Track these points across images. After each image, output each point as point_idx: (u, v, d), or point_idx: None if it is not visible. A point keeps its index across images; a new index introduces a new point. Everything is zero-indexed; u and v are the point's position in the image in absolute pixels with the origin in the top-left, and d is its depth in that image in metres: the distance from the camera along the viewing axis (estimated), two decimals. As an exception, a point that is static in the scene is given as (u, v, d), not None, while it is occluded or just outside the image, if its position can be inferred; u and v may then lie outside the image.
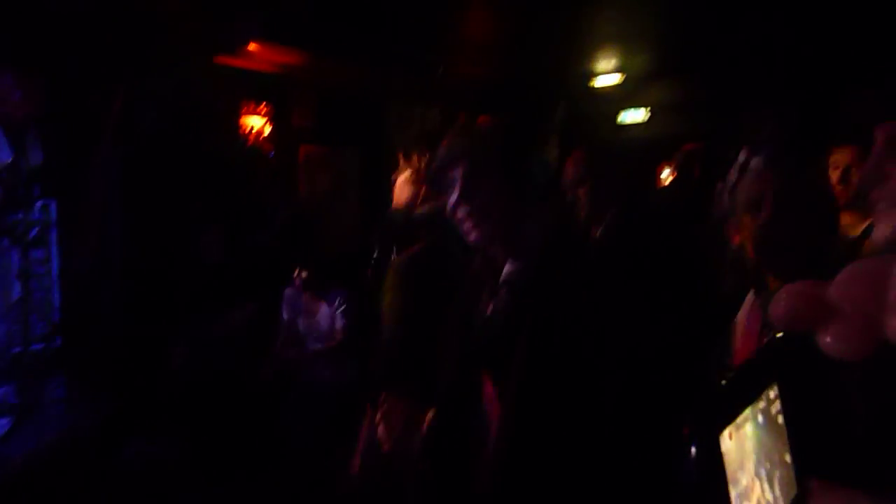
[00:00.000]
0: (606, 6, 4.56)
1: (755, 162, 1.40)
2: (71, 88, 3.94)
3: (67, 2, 3.69)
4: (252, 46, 4.25)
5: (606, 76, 6.41)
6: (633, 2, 4.38)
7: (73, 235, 3.72)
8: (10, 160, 3.41)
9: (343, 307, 3.38)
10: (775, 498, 0.69)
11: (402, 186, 2.24)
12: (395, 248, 2.34)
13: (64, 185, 3.83)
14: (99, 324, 3.67)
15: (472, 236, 1.40)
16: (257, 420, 3.68)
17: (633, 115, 6.92)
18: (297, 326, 3.55)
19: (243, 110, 4.77)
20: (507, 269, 1.41)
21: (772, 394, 0.86)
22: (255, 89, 4.84)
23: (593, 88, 6.62)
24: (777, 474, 0.76)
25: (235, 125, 4.72)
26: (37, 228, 3.72)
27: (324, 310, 3.43)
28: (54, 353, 3.64)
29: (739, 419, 0.73)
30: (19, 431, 2.90)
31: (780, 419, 0.78)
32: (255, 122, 4.81)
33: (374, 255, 2.62)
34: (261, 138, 4.82)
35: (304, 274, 3.42)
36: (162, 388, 3.69)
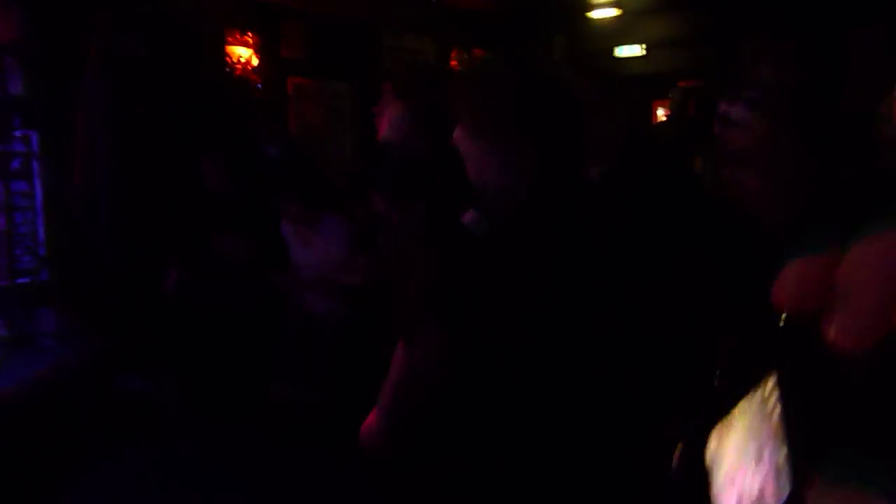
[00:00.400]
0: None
1: (737, 110, 1.22)
2: (51, 16, 3.80)
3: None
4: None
5: (603, 9, 6.25)
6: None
7: (57, 167, 3.64)
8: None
9: (337, 234, 3.29)
10: (764, 490, 0.67)
11: (397, 120, 2.12)
12: (394, 193, 2.26)
13: (45, 115, 3.73)
14: (86, 257, 3.63)
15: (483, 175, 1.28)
16: (252, 356, 3.68)
17: (630, 51, 6.77)
18: (293, 258, 3.50)
19: (229, 39, 4.61)
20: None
21: (769, 384, 0.82)
22: (241, 18, 4.67)
23: (590, 22, 6.47)
24: (768, 466, 0.73)
25: (221, 55, 4.57)
26: (18, 160, 3.63)
27: (317, 240, 3.37)
28: (41, 286, 3.61)
29: (735, 410, 0.69)
30: (9, 364, 2.89)
31: (777, 411, 0.74)
32: (242, 53, 4.66)
33: (371, 196, 2.53)
34: (248, 69, 4.69)
35: (292, 207, 3.35)
36: (154, 320, 3.68)
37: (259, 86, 4.73)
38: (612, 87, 2.22)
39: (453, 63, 6.20)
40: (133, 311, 3.75)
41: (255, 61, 4.71)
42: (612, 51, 6.84)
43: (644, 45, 6.69)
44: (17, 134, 3.67)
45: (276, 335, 3.68)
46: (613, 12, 6.26)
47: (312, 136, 5.23)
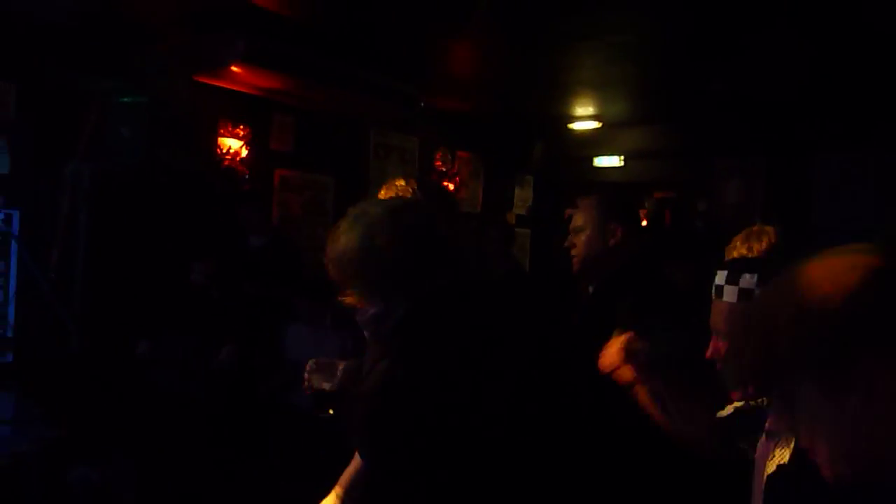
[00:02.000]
0: (586, 53, 4.65)
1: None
2: (43, 97, 3.87)
3: (46, 9, 3.64)
4: (234, 68, 4.22)
5: (584, 122, 6.52)
6: (610, 50, 4.47)
7: (35, 249, 3.61)
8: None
9: (350, 343, 3.19)
10: None
11: None
12: None
13: (28, 195, 3.73)
14: (53, 340, 3.54)
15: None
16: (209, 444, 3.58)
17: (609, 161, 7.02)
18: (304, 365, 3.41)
19: (221, 131, 4.71)
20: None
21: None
22: (234, 111, 4.79)
23: (571, 132, 6.73)
24: None
25: (212, 145, 4.66)
26: (-3, 239, 3.59)
27: (329, 344, 3.26)
28: (5, 368, 3.50)
29: None
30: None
31: None
32: (233, 144, 4.76)
33: None
34: (237, 160, 4.77)
35: (304, 305, 3.27)
36: (113, 412, 3.57)
37: (247, 177, 4.80)
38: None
39: (437, 163, 6.37)
40: (93, 398, 3.64)
41: (244, 153, 4.80)
42: (591, 160, 7.09)
43: (622, 157, 6.95)
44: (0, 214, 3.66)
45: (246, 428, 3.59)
46: (594, 125, 6.53)
47: (293, 225, 5.28)
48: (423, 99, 5.26)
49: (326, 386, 1.77)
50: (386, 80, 4.93)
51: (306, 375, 1.82)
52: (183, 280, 3.77)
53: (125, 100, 3.79)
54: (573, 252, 2.20)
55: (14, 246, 3.65)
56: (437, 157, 6.40)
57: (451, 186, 6.31)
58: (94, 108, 3.76)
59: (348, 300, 1.41)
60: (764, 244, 1.99)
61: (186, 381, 3.70)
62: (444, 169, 6.41)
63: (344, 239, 1.38)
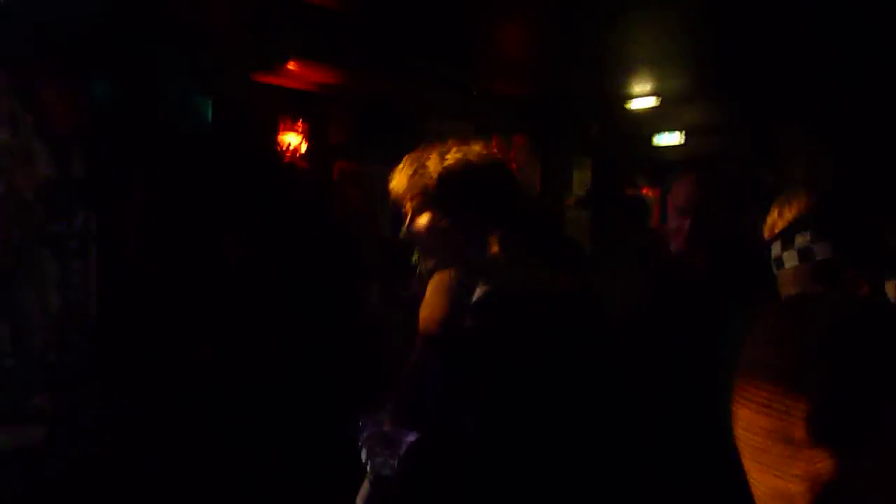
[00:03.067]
0: (641, 28, 4.54)
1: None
2: (113, 101, 4.03)
3: (110, 15, 3.78)
4: (290, 64, 4.31)
5: (642, 99, 6.37)
6: (668, 24, 4.35)
7: (112, 247, 3.78)
8: (53, 172, 3.48)
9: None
10: None
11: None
12: None
13: (105, 197, 3.90)
14: (134, 334, 3.71)
15: None
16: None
17: (669, 138, 6.85)
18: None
19: (281, 127, 4.83)
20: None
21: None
22: (292, 106, 4.90)
23: (628, 110, 6.59)
24: None
25: (273, 141, 4.78)
26: (77, 240, 3.78)
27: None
28: (90, 362, 3.69)
29: None
30: (54, 440, 2.93)
31: None
32: (292, 139, 4.87)
33: None
34: (297, 155, 4.87)
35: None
36: (195, 399, 3.71)
37: (306, 170, 4.91)
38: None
39: (494, 150, 6.34)
40: (172, 387, 3.79)
41: (303, 147, 4.91)
42: (650, 138, 6.93)
43: (683, 133, 6.77)
44: (78, 215, 3.85)
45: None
46: (652, 102, 6.37)
47: (353, 216, 5.36)
48: (476, 85, 5.25)
49: (386, 472, 1.51)
50: (439, 68, 4.94)
51: (363, 450, 1.58)
52: (246, 274, 3.87)
53: (188, 101, 3.92)
54: (676, 230, 2.09)
55: (94, 246, 3.85)
56: (493, 143, 6.37)
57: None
58: (160, 109, 3.89)
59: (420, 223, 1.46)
60: (794, 210, 1.91)
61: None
62: (500, 155, 6.38)
63: (453, 158, 1.49)
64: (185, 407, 3.68)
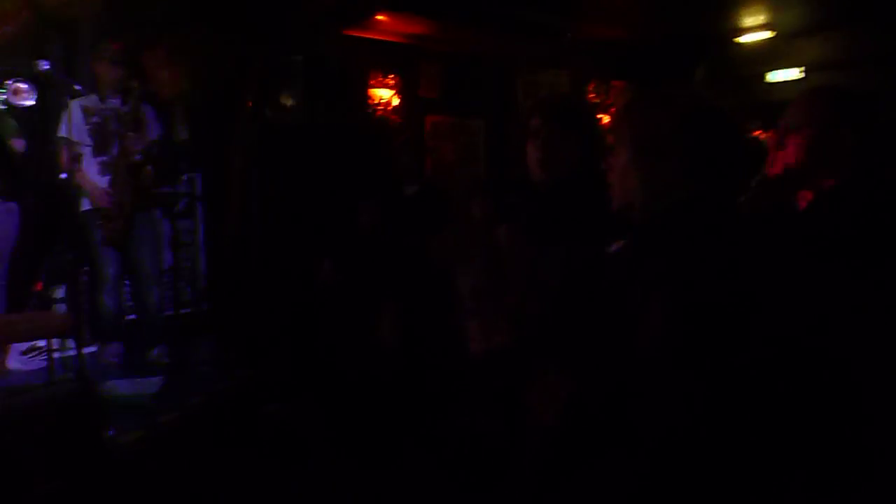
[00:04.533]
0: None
1: None
2: (212, 66, 4.15)
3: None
4: (380, 17, 4.27)
5: (753, 33, 5.89)
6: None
7: (216, 206, 3.93)
8: (160, 136, 3.63)
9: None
10: None
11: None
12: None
13: (207, 159, 4.06)
14: (240, 289, 3.87)
15: None
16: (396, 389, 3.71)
17: (785, 75, 6.32)
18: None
19: (372, 82, 4.83)
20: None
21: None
22: (383, 61, 4.88)
23: (737, 47, 6.12)
24: None
25: (365, 97, 4.79)
26: (184, 200, 3.97)
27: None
28: (201, 316, 3.89)
29: None
30: (169, 389, 3.13)
31: None
32: (384, 94, 4.86)
33: None
34: (388, 109, 4.87)
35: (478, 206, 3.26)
36: (301, 351, 3.82)
37: (399, 125, 4.90)
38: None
39: (590, 96, 6.10)
40: (281, 340, 3.94)
41: (395, 101, 4.89)
42: (762, 76, 6.43)
43: (802, 69, 6.22)
44: (184, 177, 4.04)
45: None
46: (765, 35, 5.88)
47: (446, 171, 5.33)
48: (570, 30, 5.03)
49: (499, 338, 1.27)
50: (531, 14, 4.75)
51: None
52: (351, 225, 3.90)
53: (282, 60, 3.97)
54: (779, 155, 1.71)
55: (199, 206, 4.02)
56: (590, 89, 6.12)
57: (607, 119, 6.03)
58: (255, 71, 3.97)
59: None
60: None
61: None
62: (598, 101, 6.13)
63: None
64: (289, 364, 3.81)
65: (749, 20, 5.61)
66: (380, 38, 4.75)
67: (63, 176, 3.21)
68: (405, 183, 4.26)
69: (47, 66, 2.94)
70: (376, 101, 4.83)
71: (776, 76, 6.37)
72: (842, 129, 1.63)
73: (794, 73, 6.25)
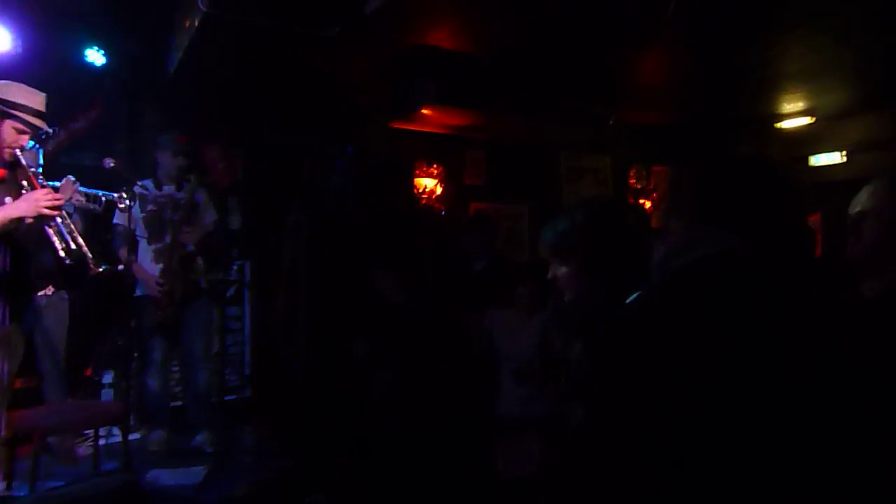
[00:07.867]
0: (793, 43, 4.21)
1: None
2: (265, 158, 4.31)
3: (262, 84, 4.07)
4: (425, 111, 4.40)
5: (795, 119, 5.90)
6: (821, 36, 4.00)
7: (264, 293, 3.98)
8: (214, 223, 3.73)
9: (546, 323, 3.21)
10: None
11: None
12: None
13: (258, 247, 4.14)
14: (284, 377, 3.86)
15: None
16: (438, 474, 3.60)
17: (828, 158, 6.28)
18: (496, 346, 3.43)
19: (417, 172, 4.94)
20: None
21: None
22: (427, 151, 5.00)
23: (779, 132, 6.13)
24: None
25: (410, 186, 4.90)
26: (233, 287, 4.04)
27: (531, 328, 3.31)
28: (245, 403, 3.88)
29: None
30: (213, 479, 3.09)
31: None
32: (428, 183, 4.96)
33: None
34: (433, 197, 4.96)
35: (525, 290, 3.31)
36: (343, 440, 3.76)
37: (443, 212, 4.97)
38: None
39: (631, 181, 6.14)
40: (323, 430, 3.88)
41: (438, 190, 4.98)
42: (806, 159, 6.40)
43: (844, 151, 6.19)
44: (234, 264, 4.12)
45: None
46: (806, 120, 5.89)
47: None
48: (612, 116, 5.11)
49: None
50: (573, 102, 4.86)
51: None
52: (395, 308, 3.90)
53: (333, 152, 4.10)
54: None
55: (246, 293, 4.08)
56: (632, 174, 6.16)
57: (649, 204, 6.03)
58: (307, 162, 4.10)
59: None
60: None
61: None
62: (639, 186, 6.15)
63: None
64: (334, 452, 3.74)
65: (789, 106, 5.64)
66: (425, 129, 4.90)
67: (119, 268, 3.27)
68: (474, 259, 4.22)
69: (112, 164, 3.06)
70: (420, 190, 4.93)
71: (819, 160, 6.33)
72: None
73: (836, 157, 6.21)
